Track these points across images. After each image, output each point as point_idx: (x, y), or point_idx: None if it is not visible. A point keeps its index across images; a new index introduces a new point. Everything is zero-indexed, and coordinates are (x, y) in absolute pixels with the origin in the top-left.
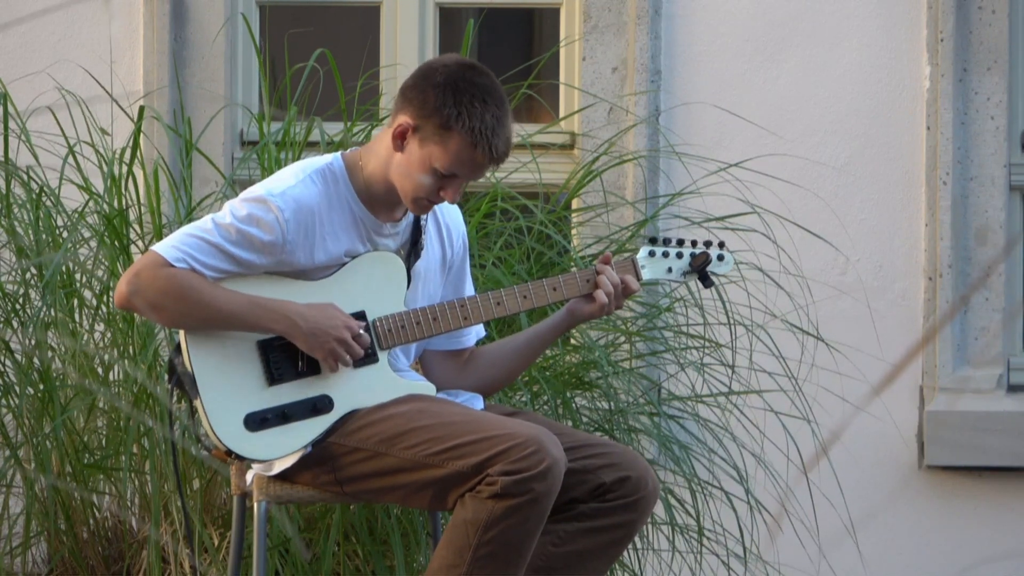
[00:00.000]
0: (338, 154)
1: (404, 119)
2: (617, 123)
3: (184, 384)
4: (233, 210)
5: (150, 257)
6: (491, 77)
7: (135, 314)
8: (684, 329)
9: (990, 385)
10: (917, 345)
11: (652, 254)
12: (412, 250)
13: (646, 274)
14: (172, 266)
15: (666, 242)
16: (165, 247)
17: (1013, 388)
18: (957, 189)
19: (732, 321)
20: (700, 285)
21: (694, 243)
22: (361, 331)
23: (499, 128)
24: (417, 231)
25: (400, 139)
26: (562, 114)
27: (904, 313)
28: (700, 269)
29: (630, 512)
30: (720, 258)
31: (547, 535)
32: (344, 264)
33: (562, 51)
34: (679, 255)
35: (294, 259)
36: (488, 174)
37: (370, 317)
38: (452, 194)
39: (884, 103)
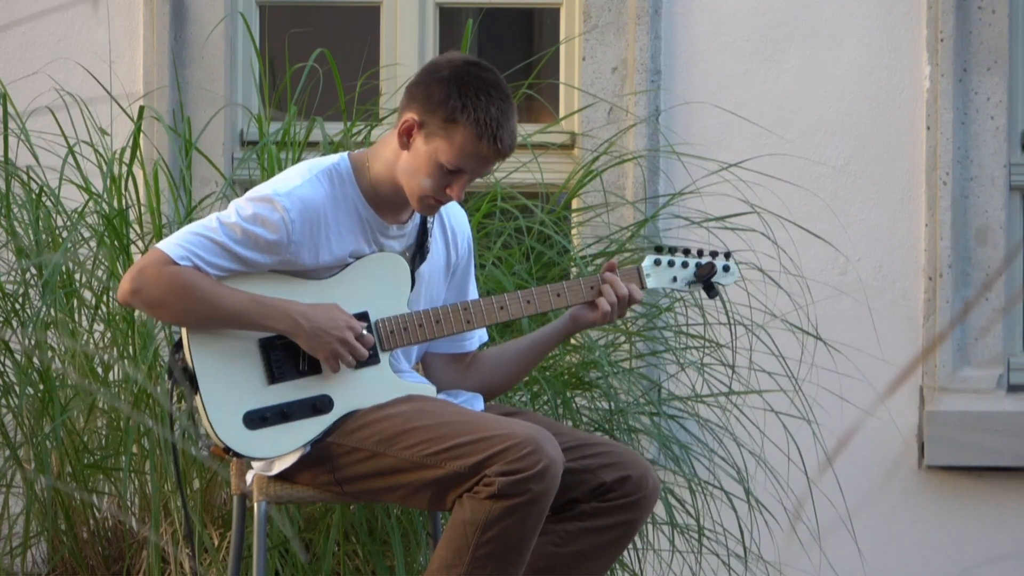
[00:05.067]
0: (345, 154)
1: (410, 116)
2: (617, 123)
3: (184, 380)
4: (239, 209)
5: (154, 254)
6: (495, 73)
7: (135, 314)
8: (684, 329)
9: (990, 385)
10: (917, 357)
11: (658, 263)
12: (417, 252)
13: (650, 283)
14: (176, 264)
15: (672, 251)
16: (170, 245)
17: (1013, 388)
18: (957, 189)
19: (732, 321)
20: (704, 295)
21: (700, 252)
22: (364, 332)
23: (504, 121)
24: (423, 234)
25: (406, 136)
26: (562, 114)
27: (904, 313)
28: (705, 279)
29: (630, 511)
30: (726, 269)
31: (547, 535)
32: (348, 264)
33: (562, 51)
34: (684, 264)
35: (298, 259)
36: (490, 172)
37: (373, 318)
38: (458, 190)
39: (884, 103)
